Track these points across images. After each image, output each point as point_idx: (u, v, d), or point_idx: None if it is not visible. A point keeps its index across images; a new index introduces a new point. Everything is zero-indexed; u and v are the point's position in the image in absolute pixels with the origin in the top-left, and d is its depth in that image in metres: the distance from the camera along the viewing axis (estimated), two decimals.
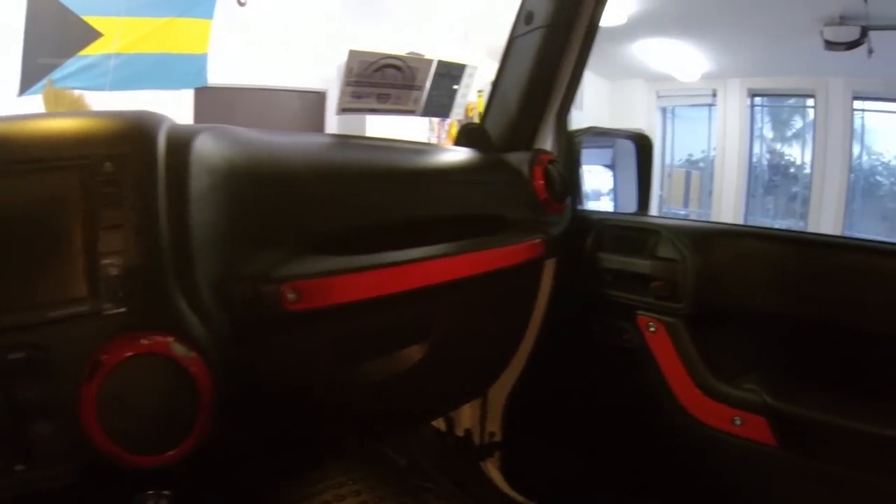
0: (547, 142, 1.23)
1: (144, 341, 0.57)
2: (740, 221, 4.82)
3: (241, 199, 0.70)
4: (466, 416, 1.41)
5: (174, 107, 4.27)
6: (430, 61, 1.17)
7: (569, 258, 1.22)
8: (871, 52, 4.01)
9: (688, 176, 5.30)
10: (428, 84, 1.17)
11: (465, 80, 1.22)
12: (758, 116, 5.07)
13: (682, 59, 4.65)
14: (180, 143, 0.66)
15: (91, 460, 0.57)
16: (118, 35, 3.34)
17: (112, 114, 0.66)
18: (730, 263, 1.10)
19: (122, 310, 0.58)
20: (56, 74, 3.11)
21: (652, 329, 1.16)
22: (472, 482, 1.41)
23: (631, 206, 1.60)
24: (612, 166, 1.68)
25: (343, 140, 0.98)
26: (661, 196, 5.29)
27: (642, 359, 1.17)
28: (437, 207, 0.95)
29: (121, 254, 0.58)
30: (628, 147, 1.64)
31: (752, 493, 1.08)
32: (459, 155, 1.11)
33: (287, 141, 0.87)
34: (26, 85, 3.08)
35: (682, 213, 5.17)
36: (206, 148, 0.69)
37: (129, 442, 0.57)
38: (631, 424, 1.24)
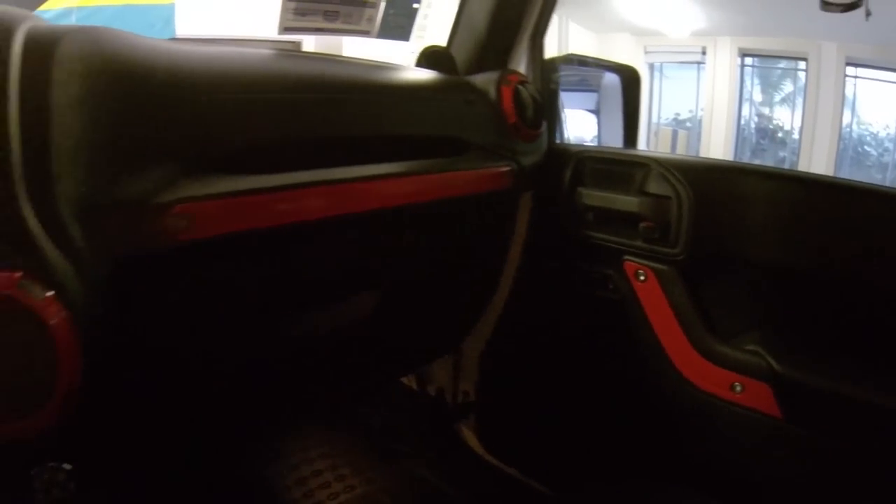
0: (520, 67, 1.09)
1: None
2: None
3: (119, 107, 0.56)
4: (439, 374, 1.30)
5: None
6: None
7: (546, 196, 1.09)
8: (868, 14, 3.86)
9: (675, 135, 5.19)
10: (383, 1, 1.01)
11: None
12: (747, 78, 4.95)
13: (671, 14, 4.48)
14: (42, 43, 0.54)
15: None
16: None
17: None
18: (731, 204, 0.97)
19: None
20: None
21: (642, 278, 1.02)
22: (447, 445, 1.31)
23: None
24: (596, 111, 1.54)
25: (274, 53, 0.83)
26: None
27: (630, 312, 1.05)
28: (381, 125, 0.79)
29: None
30: (614, 90, 1.50)
31: (750, 469, 0.97)
32: (415, 73, 0.97)
33: (199, 49, 0.72)
34: None
35: None
36: (75, 50, 0.56)
37: None
38: (617, 386, 1.13)
